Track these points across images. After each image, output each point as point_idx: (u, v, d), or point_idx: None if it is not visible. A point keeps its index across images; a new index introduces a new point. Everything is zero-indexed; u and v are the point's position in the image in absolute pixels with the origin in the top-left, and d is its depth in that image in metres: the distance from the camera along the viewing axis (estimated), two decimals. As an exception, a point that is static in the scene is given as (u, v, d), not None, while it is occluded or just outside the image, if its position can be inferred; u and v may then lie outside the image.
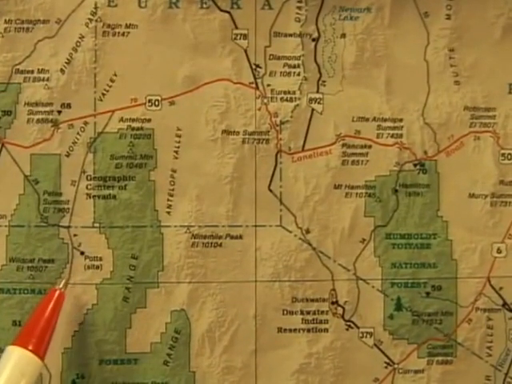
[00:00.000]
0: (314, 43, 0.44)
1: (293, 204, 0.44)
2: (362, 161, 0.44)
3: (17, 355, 0.39)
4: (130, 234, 0.43)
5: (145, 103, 0.43)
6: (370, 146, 0.44)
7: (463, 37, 0.45)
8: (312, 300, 0.44)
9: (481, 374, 0.45)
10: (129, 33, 0.43)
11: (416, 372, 0.45)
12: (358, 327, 0.44)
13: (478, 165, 0.45)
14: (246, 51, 0.44)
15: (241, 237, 0.44)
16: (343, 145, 0.44)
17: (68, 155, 0.43)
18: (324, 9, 0.44)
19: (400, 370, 0.44)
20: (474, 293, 0.45)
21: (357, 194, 0.44)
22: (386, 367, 0.44)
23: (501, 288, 0.45)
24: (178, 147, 0.43)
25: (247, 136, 0.44)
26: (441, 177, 0.45)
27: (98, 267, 0.43)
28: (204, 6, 0.43)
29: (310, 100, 0.44)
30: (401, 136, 0.44)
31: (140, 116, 0.43)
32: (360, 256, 0.44)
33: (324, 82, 0.44)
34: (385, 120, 0.44)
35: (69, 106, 0.43)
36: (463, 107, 0.45)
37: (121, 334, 0.43)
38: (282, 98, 0.44)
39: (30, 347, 0.39)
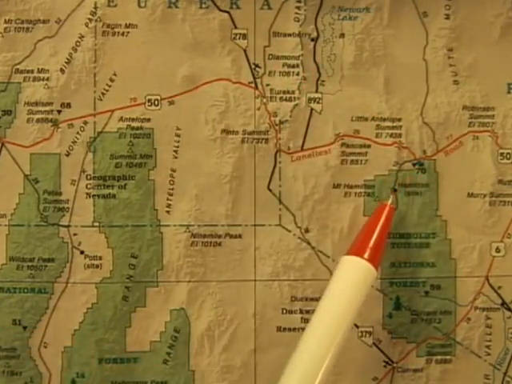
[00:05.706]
0: (313, 43, 0.44)
1: (292, 203, 0.44)
2: (361, 160, 0.44)
3: (353, 264, 0.40)
4: (129, 233, 0.43)
5: (144, 103, 0.43)
6: (368, 146, 0.44)
7: (462, 36, 0.45)
8: (311, 299, 0.44)
9: (480, 372, 0.45)
10: (128, 33, 0.43)
11: (415, 371, 0.45)
12: (357, 326, 0.44)
13: (477, 164, 0.45)
14: (245, 51, 0.44)
15: (240, 236, 0.44)
16: (342, 144, 0.44)
17: (68, 155, 0.43)
18: (323, 9, 0.44)
19: (399, 369, 0.44)
20: (473, 292, 0.45)
21: (356, 193, 0.44)
22: (384, 366, 0.44)
23: (499, 287, 0.45)
24: (178, 147, 0.43)
25: (246, 135, 0.44)
26: (440, 176, 0.45)
27: (97, 266, 0.43)
28: (203, 5, 0.44)
29: (309, 100, 0.44)
30: (400, 135, 0.44)
31: (139, 115, 0.43)
32: (359, 255, 0.44)
33: (323, 81, 0.44)
34: (384, 120, 0.44)
35: (69, 105, 0.43)
36: (462, 107, 0.45)
37: (120, 333, 0.43)
38: (281, 98, 0.44)
39: (366, 256, 0.40)
